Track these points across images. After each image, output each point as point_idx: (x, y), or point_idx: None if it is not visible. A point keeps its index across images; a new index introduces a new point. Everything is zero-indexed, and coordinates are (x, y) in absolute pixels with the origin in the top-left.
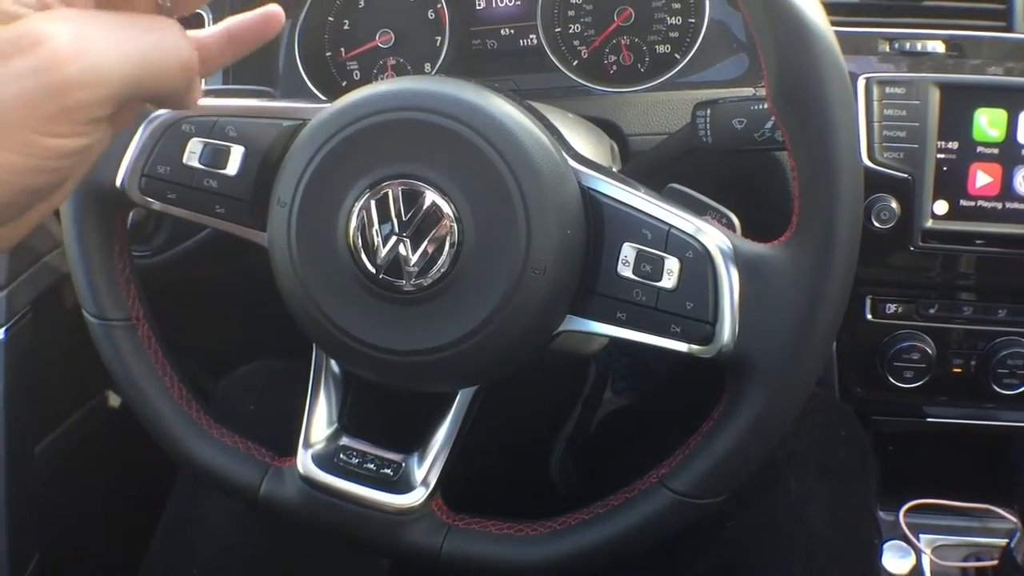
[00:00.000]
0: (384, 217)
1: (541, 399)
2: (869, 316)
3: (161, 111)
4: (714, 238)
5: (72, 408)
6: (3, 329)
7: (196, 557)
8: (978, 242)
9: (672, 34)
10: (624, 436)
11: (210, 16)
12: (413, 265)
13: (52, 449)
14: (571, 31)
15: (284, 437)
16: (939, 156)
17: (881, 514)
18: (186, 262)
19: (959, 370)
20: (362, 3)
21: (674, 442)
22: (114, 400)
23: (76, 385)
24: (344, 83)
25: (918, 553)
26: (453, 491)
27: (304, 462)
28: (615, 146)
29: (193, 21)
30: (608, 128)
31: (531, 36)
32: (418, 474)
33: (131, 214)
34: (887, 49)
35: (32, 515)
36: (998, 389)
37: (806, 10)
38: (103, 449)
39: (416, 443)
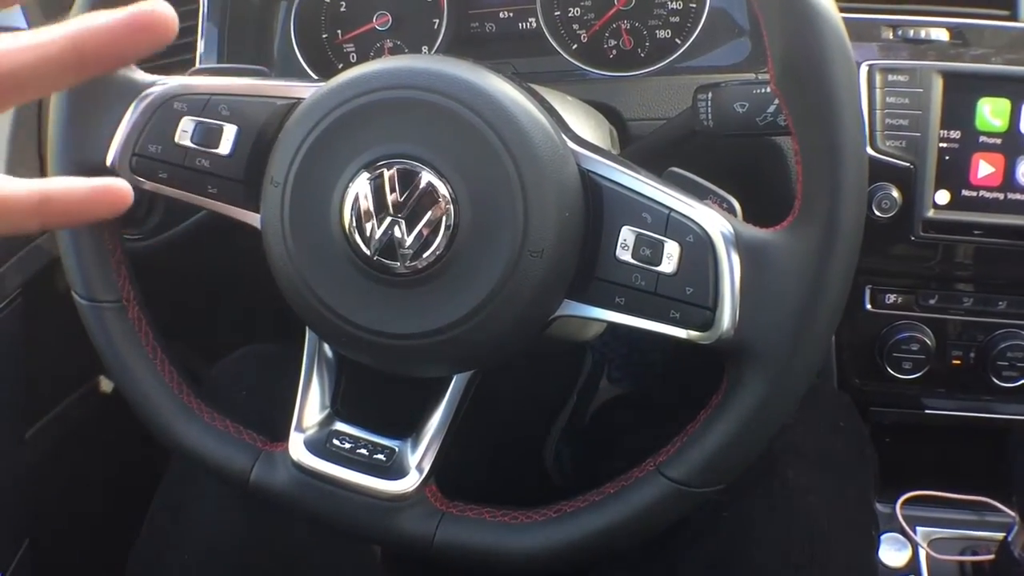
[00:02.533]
0: (379, 198)
1: (537, 388)
2: (868, 306)
3: (153, 88)
4: (715, 222)
5: (63, 393)
6: None
7: (187, 543)
8: (979, 232)
9: (673, 19)
10: (620, 425)
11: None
12: (408, 247)
13: (43, 434)
14: (570, 15)
15: (276, 422)
16: (941, 145)
17: (878, 506)
18: (179, 245)
19: (958, 362)
20: None
21: (671, 431)
22: (106, 385)
23: (68, 370)
24: (340, 65)
25: (915, 546)
26: (448, 480)
27: (296, 447)
28: (614, 131)
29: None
30: (607, 112)
31: (530, 19)
32: (412, 460)
33: None
34: (890, 36)
35: (22, 501)
36: (997, 381)
37: None
38: (94, 434)
39: (410, 429)
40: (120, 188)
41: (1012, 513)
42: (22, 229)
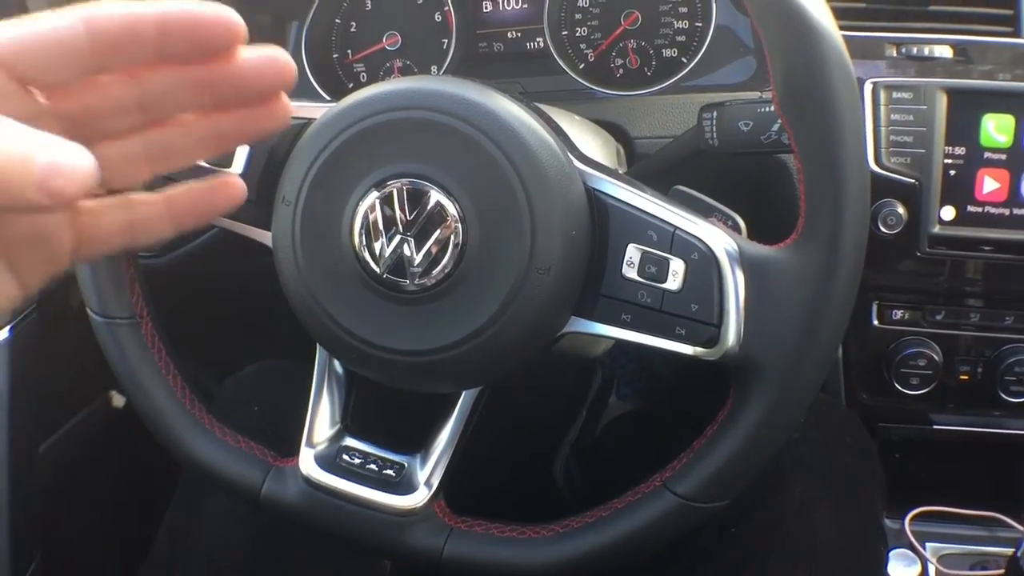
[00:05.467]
0: (388, 216)
1: (546, 404)
2: (876, 322)
3: None
4: (719, 240)
5: (76, 407)
6: (8, 328)
7: (198, 557)
8: (985, 248)
9: (679, 38)
10: (629, 441)
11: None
12: (417, 265)
13: (56, 448)
14: (578, 34)
15: (287, 437)
16: (946, 161)
17: (887, 522)
18: (191, 263)
19: (966, 377)
20: (369, 5)
21: (679, 447)
22: (118, 400)
23: (81, 384)
24: (351, 85)
25: (924, 561)
26: (458, 496)
27: (306, 462)
28: (621, 149)
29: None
30: (614, 131)
31: (538, 39)
32: (420, 476)
33: None
34: (894, 54)
35: (35, 514)
36: (1005, 396)
37: (813, 12)
38: (107, 448)
39: (419, 444)
40: (236, 181)
41: (1021, 528)
42: (159, 235)
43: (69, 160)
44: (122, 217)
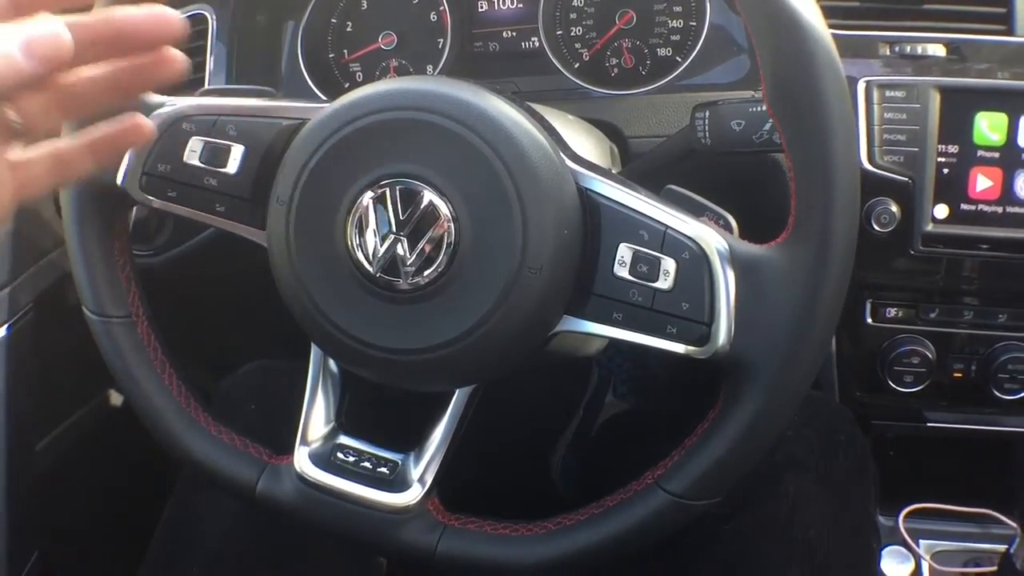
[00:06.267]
0: (382, 216)
1: (543, 403)
2: (869, 320)
3: (162, 109)
4: (711, 239)
5: (74, 406)
6: (5, 327)
7: (195, 555)
8: (979, 246)
9: (673, 37)
10: (625, 440)
11: (214, 19)
12: (410, 264)
13: (53, 447)
14: (572, 34)
15: (283, 436)
16: (939, 160)
17: (880, 519)
18: (188, 262)
19: (959, 375)
20: (365, 5)
21: (675, 445)
22: (116, 398)
23: (78, 383)
24: (347, 84)
25: (917, 558)
26: (457, 494)
27: (301, 460)
28: (615, 148)
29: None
30: (608, 130)
31: (533, 39)
32: (414, 473)
33: (133, 213)
34: (887, 52)
35: (32, 513)
36: (998, 394)
37: (802, 12)
38: (104, 447)
39: (413, 443)
40: (143, 120)
41: (1014, 525)
42: (84, 171)
43: (44, 28)
44: (51, 160)
